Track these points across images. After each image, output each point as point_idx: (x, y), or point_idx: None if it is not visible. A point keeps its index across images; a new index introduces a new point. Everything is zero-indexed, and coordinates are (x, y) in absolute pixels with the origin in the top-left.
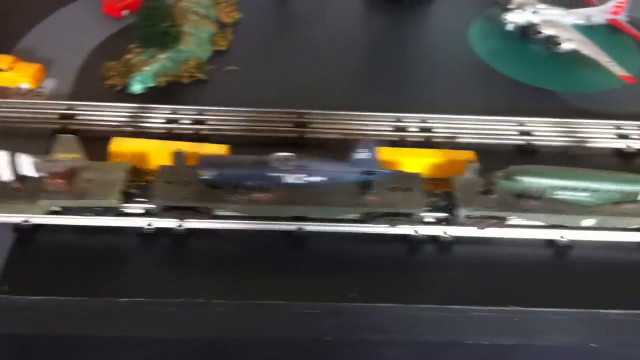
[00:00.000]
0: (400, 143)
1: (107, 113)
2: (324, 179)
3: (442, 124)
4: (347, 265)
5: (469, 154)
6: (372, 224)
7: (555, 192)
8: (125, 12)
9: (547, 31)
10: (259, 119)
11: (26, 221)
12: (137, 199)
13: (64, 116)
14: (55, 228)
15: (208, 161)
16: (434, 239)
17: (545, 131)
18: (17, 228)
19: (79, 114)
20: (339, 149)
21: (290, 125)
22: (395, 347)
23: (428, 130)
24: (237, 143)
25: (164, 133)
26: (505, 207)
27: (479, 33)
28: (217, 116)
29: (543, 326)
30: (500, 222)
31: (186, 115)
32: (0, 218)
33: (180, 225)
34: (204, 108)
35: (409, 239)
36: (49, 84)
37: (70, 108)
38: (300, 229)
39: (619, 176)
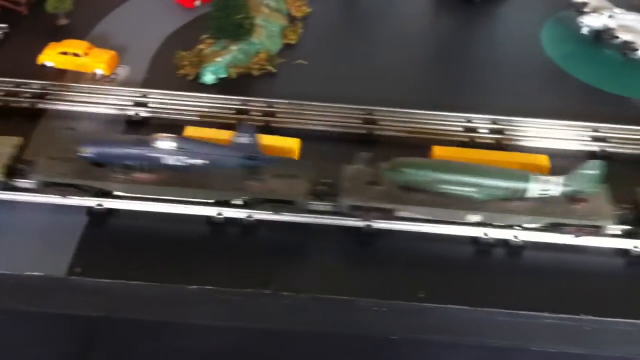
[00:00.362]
0: (470, 144)
1: (179, 101)
2: (206, 162)
3: (514, 127)
4: (414, 265)
5: (542, 158)
6: (257, 210)
7: (441, 186)
8: (197, 3)
9: (624, 36)
10: (329, 114)
11: (100, 205)
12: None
13: (137, 103)
14: (127, 213)
15: (89, 139)
16: (506, 243)
17: (620, 138)
18: (90, 212)
19: (152, 102)
20: (409, 147)
21: (359, 121)
22: (460, 349)
23: (499, 132)
24: (307, 137)
25: (235, 124)
26: (390, 199)
27: (551, 35)
28: (287, 109)
29: (613, 337)
30: (387, 214)
31: (256, 107)
32: (75, 201)
33: (250, 216)
34: (274, 100)
35: (478, 241)
36: (122, 71)
37: (144, 95)
38: (369, 226)
39: (507, 173)
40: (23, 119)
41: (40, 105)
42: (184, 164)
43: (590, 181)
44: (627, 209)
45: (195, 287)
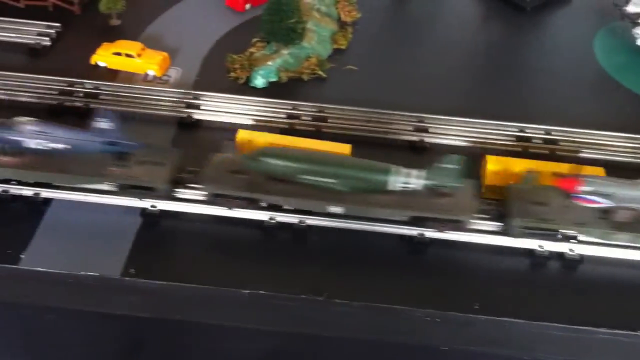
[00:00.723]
0: (523, 153)
1: (230, 104)
2: (68, 146)
3: (568, 137)
4: (468, 275)
5: (598, 171)
6: (126, 196)
7: (302, 177)
8: (248, 6)
9: None
10: (379, 120)
11: (153, 206)
12: None
13: (189, 105)
14: (180, 215)
15: None
16: (561, 256)
17: None
18: (144, 213)
19: (204, 104)
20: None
21: (410, 128)
22: None
23: (553, 142)
24: (358, 143)
25: (286, 128)
26: (252, 189)
27: (605, 46)
28: (337, 114)
29: None
30: (251, 203)
31: (307, 112)
32: (129, 202)
33: (302, 222)
34: (325, 105)
35: (534, 253)
36: (174, 73)
37: (196, 98)
38: (421, 234)
39: (367, 164)
40: (76, 118)
41: (93, 105)
42: (45, 148)
43: (451, 175)
44: (492, 204)
45: (248, 291)
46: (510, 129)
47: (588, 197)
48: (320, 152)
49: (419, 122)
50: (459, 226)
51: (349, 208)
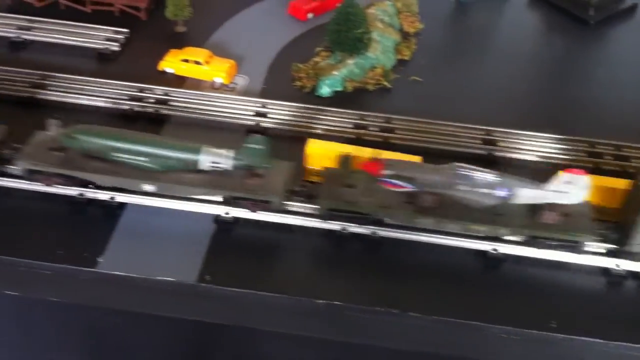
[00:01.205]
0: (595, 170)
1: (297, 113)
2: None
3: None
4: (543, 292)
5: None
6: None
7: (116, 155)
8: (310, 15)
9: None
10: (447, 133)
11: (227, 213)
12: None
13: (258, 113)
14: (252, 223)
15: None
16: (635, 275)
17: None
18: (217, 220)
19: (272, 112)
20: (531, 171)
21: (478, 141)
22: None
23: (625, 159)
24: (427, 155)
25: (353, 138)
26: (68, 166)
27: None
28: (405, 126)
29: None
30: (68, 181)
31: (374, 122)
32: (203, 209)
33: (374, 233)
34: (392, 116)
35: (610, 272)
36: (241, 81)
37: (263, 106)
38: (495, 249)
39: (178, 144)
40: (148, 124)
41: (164, 112)
42: None
43: (258, 156)
44: (305, 187)
45: (323, 301)
46: (581, 144)
47: (391, 180)
48: (134, 131)
49: (486, 135)
50: (269, 207)
51: (161, 186)
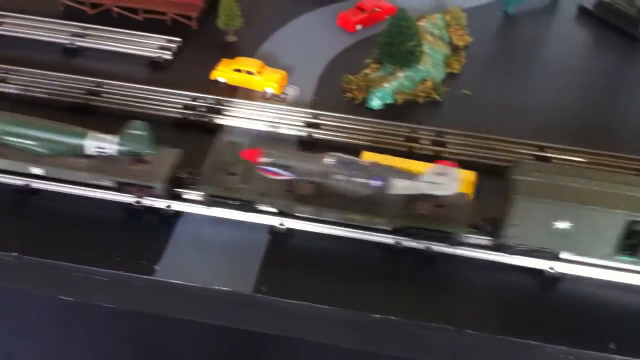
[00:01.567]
0: None
1: (348, 125)
2: None
3: None
4: (600, 313)
5: None
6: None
7: (6, 138)
8: (359, 27)
9: None
10: (500, 148)
11: (282, 225)
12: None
13: (309, 124)
14: (307, 234)
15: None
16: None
17: None
18: (272, 231)
19: (323, 124)
20: None
21: (531, 158)
22: None
23: None
24: (480, 169)
25: (405, 151)
26: None
27: None
28: (456, 140)
29: None
30: None
31: (425, 136)
32: (258, 219)
33: (428, 248)
34: (444, 130)
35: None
36: (291, 91)
37: (315, 117)
38: (551, 268)
39: (65, 128)
40: (202, 132)
41: (217, 121)
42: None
43: (142, 142)
44: (192, 173)
45: (379, 316)
46: (635, 163)
47: (270, 168)
48: (23, 115)
49: (539, 151)
50: (154, 192)
51: (48, 170)
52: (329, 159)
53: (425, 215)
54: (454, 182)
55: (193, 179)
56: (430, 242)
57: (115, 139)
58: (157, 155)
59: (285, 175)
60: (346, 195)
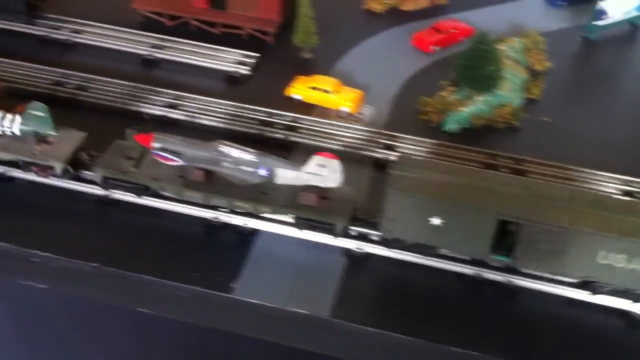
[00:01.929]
0: None
1: (425, 149)
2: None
3: None
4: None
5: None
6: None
7: None
8: (435, 48)
9: None
10: (582, 180)
11: (359, 249)
12: None
13: (386, 146)
14: (384, 259)
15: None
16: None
17: None
18: (349, 254)
19: (400, 146)
20: None
21: (619, 192)
22: None
23: None
24: None
25: None
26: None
27: None
28: (537, 169)
29: None
30: None
31: (504, 163)
32: (335, 242)
33: (509, 282)
34: (524, 158)
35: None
36: (366, 111)
37: (392, 139)
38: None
39: None
40: (278, 149)
41: (293, 138)
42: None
43: (42, 123)
44: (92, 156)
45: (459, 350)
46: None
47: (162, 153)
48: None
49: (625, 184)
50: (54, 173)
51: None
52: (218, 147)
53: (310, 206)
54: (335, 174)
55: (92, 161)
56: (512, 276)
57: (18, 118)
58: (61, 137)
59: (177, 161)
60: (235, 183)
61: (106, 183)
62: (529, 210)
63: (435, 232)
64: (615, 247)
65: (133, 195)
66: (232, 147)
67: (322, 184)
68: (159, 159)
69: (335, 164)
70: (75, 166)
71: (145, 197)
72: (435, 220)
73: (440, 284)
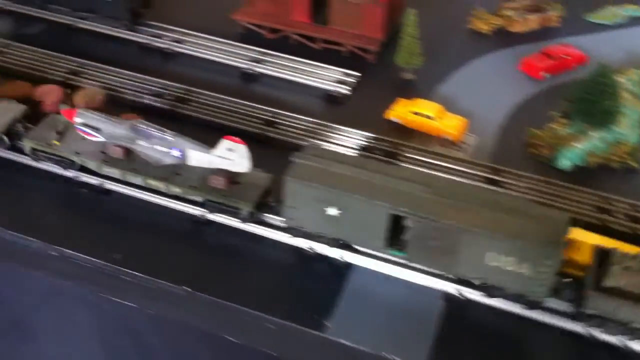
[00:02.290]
0: None
1: (533, 187)
2: None
3: None
4: None
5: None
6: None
7: None
8: (545, 75)
9: None
10: None
11: (460, 294)
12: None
13: (490, 180)
14: (486, 307)
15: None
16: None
17: None
18: (447, 298)
19: (505, 182)
20: None
21: None
22: None
23: None
24: None
25: (594, 223)
26: None
27: None
28: None
29: None
30: None
31: (620, 208)
32: (433, 283)
33: (626, 346)
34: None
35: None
36: (470, 140)
37: (497, 173)
38: None
39: None
40: None
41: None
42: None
43: None
44: (27, 128)
45: None
46: None
47: (84, 129)
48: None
49: None
50: None
51: None
52: (134, 125)
53: (219, 189)
54: (243, 159)
55: (24, 135)
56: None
57: None
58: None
59: (97, 137)
60: (151, 163)
61: (35, 154)
62: (420, 205)
63: (331, 223)
64: (501, 248)
65: (226, 217)
66: (147, 125)
67: (232, 168)
68: (84, 135)
69: (243, 149)
70: (9, 135)
71: (235, 219)
72: (332, 211)
73: (545, 340)
